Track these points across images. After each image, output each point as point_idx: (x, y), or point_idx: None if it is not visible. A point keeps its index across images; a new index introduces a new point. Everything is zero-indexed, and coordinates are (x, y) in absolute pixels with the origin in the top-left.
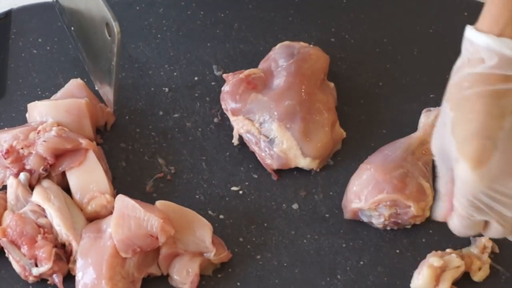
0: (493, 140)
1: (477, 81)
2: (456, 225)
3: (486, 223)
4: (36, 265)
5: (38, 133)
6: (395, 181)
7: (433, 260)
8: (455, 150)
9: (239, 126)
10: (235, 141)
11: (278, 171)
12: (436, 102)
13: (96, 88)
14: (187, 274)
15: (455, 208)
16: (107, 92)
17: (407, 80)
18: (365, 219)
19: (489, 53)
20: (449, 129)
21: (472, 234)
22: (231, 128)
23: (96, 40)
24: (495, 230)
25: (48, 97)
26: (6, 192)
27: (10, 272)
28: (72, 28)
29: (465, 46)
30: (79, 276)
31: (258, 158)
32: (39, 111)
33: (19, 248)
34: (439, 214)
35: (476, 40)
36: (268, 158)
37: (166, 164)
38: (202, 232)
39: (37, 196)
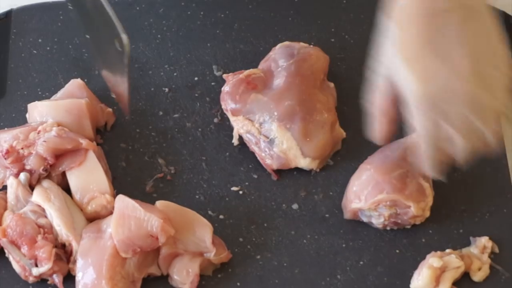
0: (437, 53)
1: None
2: (422, 147)
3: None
4: (36, 265)
5: (38, 133)
6: (395, 181)
7: (432, 260)
8: (402, 67)
9: (239, 126)
10: (235, 141)
11: (278, 171)
12: None
13: (113, 96)
14: (187, 274)
15: (417, 130)
16: (121, 96)
17: None
18: (365, 219)
19: None
20: (397, 48)
21: (436, 155)
22: (231, 128)
23: (109, 49)
24: (457, 145)
25: (48, 97)
26: (6, 192)
27: (10, 272)
28: (87, 36)
29: None
30: (79, 276)
31: (258, 158)
32: (39, 111)
33: (19, 248)
34: (379, 136)
35: None
36: (268, 158)
37: (166, 164)
38: (202, 232)
39: (37, 196)
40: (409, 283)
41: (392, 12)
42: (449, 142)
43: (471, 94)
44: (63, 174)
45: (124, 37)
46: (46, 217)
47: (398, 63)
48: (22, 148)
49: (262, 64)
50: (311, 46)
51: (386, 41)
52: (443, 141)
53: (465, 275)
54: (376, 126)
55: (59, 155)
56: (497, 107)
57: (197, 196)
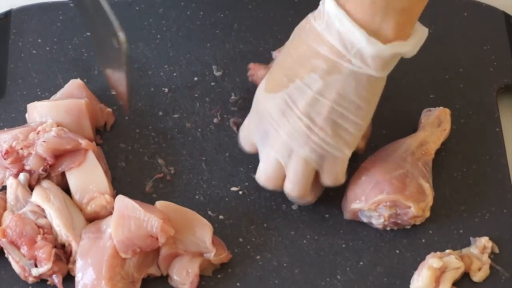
0: (289, 80)
1: (311, 33)
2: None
3: None
4: (36, 266)
5: (37, 133)
6: (395, 181)
7: (432, 261)
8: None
9: None
10: None
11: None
12: (436, 102)
13: (113, 93)
14: (187, 275)
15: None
16: (121, 94)
17: (407, 80)
18: (365, 220)
19: (326, 15)
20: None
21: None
22: (231, 128)
23: (109, 47)
24: (259, 167)
25: (47, 98)
26: (5, 193)
27: (10, 273)
28: (88, 33)
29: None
30: (78, 276)
31: None
32: (39, 111)
33: (18, 248)
34: None
35: None
36: None
37: (165, 165)
38: (202, 232)
39: (37, 197)
40: (409, 283)
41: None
42: None
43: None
44: (63, 174)
45: (121, 35)
46: (45, 217)
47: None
48: (21, 149)
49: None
50: None
51: None
52: None
53: (465, 275)
54: None
55: (59, 156)
56: None
57: (197, 196)
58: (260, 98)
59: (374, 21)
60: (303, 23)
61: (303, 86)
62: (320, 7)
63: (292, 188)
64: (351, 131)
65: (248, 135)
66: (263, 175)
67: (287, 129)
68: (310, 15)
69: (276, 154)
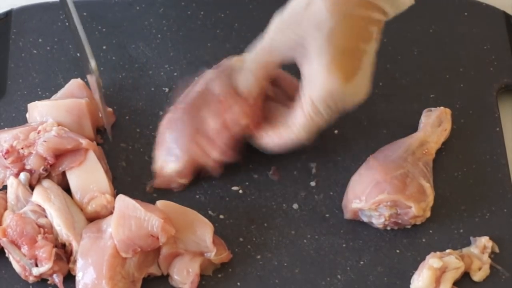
0: (360, 60)
1: (361, 3)
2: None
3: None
4: (36, 265)
5: (38, 133)
6: (396, 181)
7: (432, 261)
8: (328, 60)
9: None
10: None
11: (278, 171)
12: (436, 102)
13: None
14: (187, 274)
15: (304, 112)
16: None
17: (407, 80)
18: (365, 219)
19: None
20: (325, 33)
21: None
22: None
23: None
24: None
25: (48, 97)
26: (6, 192)
27: (10, 272)
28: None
29: None
30: (79, 276)
31: None
32: (39, 111)
33: (19, 248)
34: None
35: None
36: None
37: None
38: (203, 232)
39: (37, 196)
40: (409, 283)
41: None
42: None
43: None
44: (63, 174)
45: (93, 63)
46: (46, 217)
47: (321, 53)
48: (22, 148)
49: None
50: None
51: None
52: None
53: (465, 275)
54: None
55: (59, 155)
56: None
57: (197, 196)
58: (341, 90)
59: None
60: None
61: (369, 58)
62: None
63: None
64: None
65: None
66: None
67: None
68: None
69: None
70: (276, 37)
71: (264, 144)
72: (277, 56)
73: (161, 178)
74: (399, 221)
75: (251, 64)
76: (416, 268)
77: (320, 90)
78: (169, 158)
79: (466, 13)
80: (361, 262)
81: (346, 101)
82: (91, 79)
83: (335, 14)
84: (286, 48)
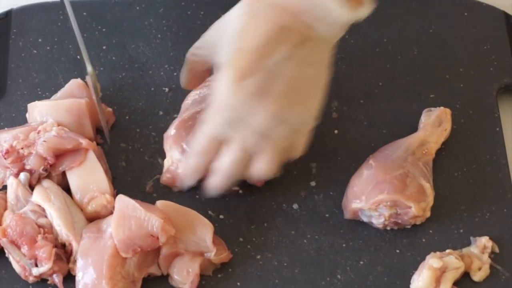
0: (260, 63)
1: (274, 8)
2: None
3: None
4: (36, 265)
5: (38, 133)
6: (396, 181)
7: (432, 261)
8: (228, 52)
9: None
10: None
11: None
12: (436, 102)
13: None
14: (187, 274)
15: (205, 122)
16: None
17: (407, 80)
18: (365, 219)
19: None
20: (235, 31)
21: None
22: None
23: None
24: (232, 152)
25: (48, 97)
26: (6, 192)
27: (10, 272)
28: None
29: None
30: (79, 276)
31: None
32: (39, 111)
33: (19, 248)
34: None
35: None
36: None
37: None
38: (203, 232)
39: (37, 196)
40: (409, 283)
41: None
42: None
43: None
44: (63, 174)
45: (89, 68)
46: (46, 217)
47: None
48: (22, 148)
49: None
50: None
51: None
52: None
53: (465, 275)
54: None
55: (59, 155)
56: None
57: (197, 196)
58: (229, 91)
59: None
60: (254, 1)
61: (277, 66)
62: None
63: (264, 171)
64: (319, 99)
65: (214, 129)
66: (228, 164)
67: (263, 116)
68: None
69: (248, 143)
70: (206, 34)
71: None
72: (204, 53)
73: (170, 175)
74: (399, 221)
75: (186, 59)
76: (416, 268)
77: (216, 83)
78: (183, 159)
79: (466, 13)
80: (361, 262)
81: (243, 107)
82: (89, 82)
83: (247, 14)
84: (210, 46)
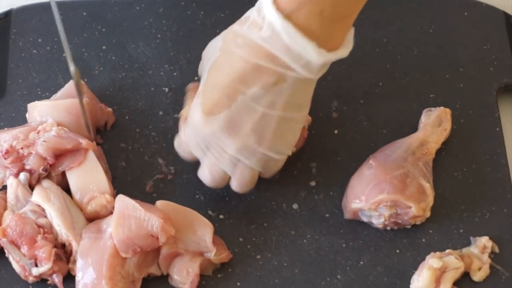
0: (230, 99)
1: (247, 46)
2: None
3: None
4: (36, 265)
5: (38, 133)
6: (396, 181)
7: (432, 261)
8: (202, 84)
9: None
10: None
11: (278, 171)
12: (436, 102)
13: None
14: (187, 274)
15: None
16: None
17: (407, 80)
18: (365, 219)
19: (269, 27)
20: (211, 64)
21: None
22: None
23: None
24: (203, 171)
25: (48, 97)
26: (6, 192)
27: (10, 272)
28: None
29: (257, 6)
30: (79, 276)
31: None
32: (39, 111)
33: (19, 248)
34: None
35: (266, 8)
36: None
37: (166, 164)
38: (203, 232)
39: (37, 196)
40: (409, 283)
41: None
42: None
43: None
44: (63, 174)
45: (72, 68)
46: (46, 217)
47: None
48: (22, 148)
49: None
50: None
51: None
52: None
53: (465, 275)
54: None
55: (59, 155)
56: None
57: (197, 196)
58: (199, 122)
59: (322, 30)
60: (230, 36)
61: (249, 102)
62: (251, 14)
63: (240, 189)
64: (295, 132)
65: (187, 149)
66: (209, 181)
67: (234, 147)
68: (235, 25)
69: (222, 166)
70: (201, 63)
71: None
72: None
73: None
74: (399, 221)
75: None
76: (416, 268)
77: (192, 108)
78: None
79: (466, 13)
80: (361, 262)
81: (212, 138)
82: (73, 84)
83: (222, 49)
84: (201, 67)
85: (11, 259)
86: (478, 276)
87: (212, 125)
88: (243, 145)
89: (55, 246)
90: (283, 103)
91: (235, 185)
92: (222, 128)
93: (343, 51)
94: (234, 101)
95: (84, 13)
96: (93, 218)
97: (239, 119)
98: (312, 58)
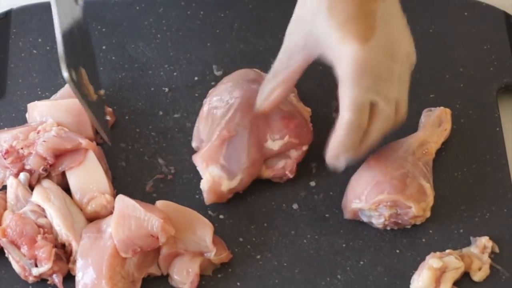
0: (373, 16)
1: None
2: (344, 127)
3: (372, 115)
4: (36, 265)
5: (38, 133)
6: (396, 181)
7: (432, 261)
8: (337, 31)
9: None
10: None
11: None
12: (436, 102)
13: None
14: (187, 274)
15: (342, 108)
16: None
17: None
18: (365, 219)
19: None
20: (325, 14)
21: (357, 134)
22: None
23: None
24: (382, 114)
25: (48, 97)
26: (6, 192)
27: (10, 272)
28: None
29: None
30: (79, 276)
31: None
32: (39, 111)
33: (19, 248)
34: (269, 96)
35: None
36: None
37: (166, 164)
38: (203, 232)
39: (37, 196)
40: (409, 283)
41: None
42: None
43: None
44: (63, 174)
45: (65, 74)
46: (46, 217)
47: (330, 29)
48: (21, 148)
49: None
50: None
51: (307, 12)
52: (365, 120)
53: (465, 275)
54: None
55: (59, 155)
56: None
57: (197, 196)
58: (362, 55)
59: None
60: None
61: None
62: None
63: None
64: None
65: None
66: (384, 124)
67: (397, 67)
68: None
69: (391, 98)
70: (288, 43)
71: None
72: (295, 61)
73: (215, 194)
74: (399, 221)
75: (276, 78)
76: (416, 268)
77: (345, 64)
78: (224, 175)
79: (466, 13)
80: (361, 262)
81: (383, 66)
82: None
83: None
84: (300, 49)
85: (11, 259)
86: (478, 276)
87: (376, 49)
88: (403, 61)
89: (55, 246)
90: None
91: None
92: (382, 47)
93: None
94: (377, 18)
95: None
96: (93, 218)
97: (392, 30)
98: None
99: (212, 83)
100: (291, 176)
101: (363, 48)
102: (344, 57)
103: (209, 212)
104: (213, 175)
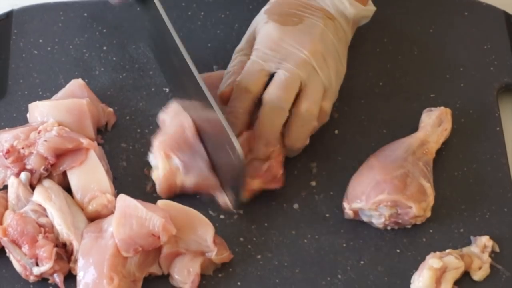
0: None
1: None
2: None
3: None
4: (37, 265)
5: (39, 133)
6: (396, 181)
7: (432, 261)
8: (265, 17)
9: None
10: None
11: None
12: (436, 102)
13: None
14: (188, 274)
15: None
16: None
17: (407, 80)
18: (365, 219)
19: None
20: (264, 20)
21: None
22: None
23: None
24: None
25: (49, 97)
26: (7, 192)
27: (11, 272)
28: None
29: None
30: (80, 275)
31: None
32: (40, 111)
33: (20, 247)
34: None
35: None
36: None
37: None
38: (204, 232)
39: (38, 196)
40: (409, 282)
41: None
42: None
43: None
44: (64, 173)
45: (238, 148)
46: (47, 216)
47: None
48: (23, 148)
49: None
50: None
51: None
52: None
53: (466, 274)
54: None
55: (60, 155)
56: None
57: (197, 196)
58: (275, 30)
59: None
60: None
61: (312, 22)
62: None
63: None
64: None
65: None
66: (283, 88)
67: (307, 51)
68: None
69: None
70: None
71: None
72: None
73: (167, 184)
74: (399, 221)
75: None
76: (416, 268)
77: (260, 37)
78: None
79: (466, 13)
80: (362, 262)
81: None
82: (74, 83)
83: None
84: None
85: (12, 258)
86: (478, 275)
87: (293, 32)
88: (313, 50)
89: (56, 246)
90: (332, 34)
91: (304, 107)
92: (299, 35)
93: (368, 11)
94: (300, 23)
95: (85, 14)
96: (94, 218)
97: (309, 32)
98: (344, 8)
99: None
100: (279, 175)
101: (278, 28)
102: (267, 31)
103: (210, 212)
104: (172, 165)
